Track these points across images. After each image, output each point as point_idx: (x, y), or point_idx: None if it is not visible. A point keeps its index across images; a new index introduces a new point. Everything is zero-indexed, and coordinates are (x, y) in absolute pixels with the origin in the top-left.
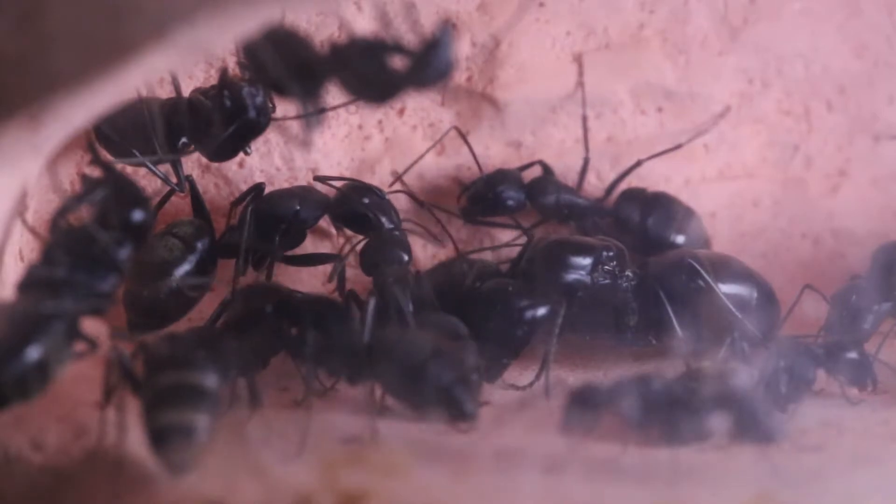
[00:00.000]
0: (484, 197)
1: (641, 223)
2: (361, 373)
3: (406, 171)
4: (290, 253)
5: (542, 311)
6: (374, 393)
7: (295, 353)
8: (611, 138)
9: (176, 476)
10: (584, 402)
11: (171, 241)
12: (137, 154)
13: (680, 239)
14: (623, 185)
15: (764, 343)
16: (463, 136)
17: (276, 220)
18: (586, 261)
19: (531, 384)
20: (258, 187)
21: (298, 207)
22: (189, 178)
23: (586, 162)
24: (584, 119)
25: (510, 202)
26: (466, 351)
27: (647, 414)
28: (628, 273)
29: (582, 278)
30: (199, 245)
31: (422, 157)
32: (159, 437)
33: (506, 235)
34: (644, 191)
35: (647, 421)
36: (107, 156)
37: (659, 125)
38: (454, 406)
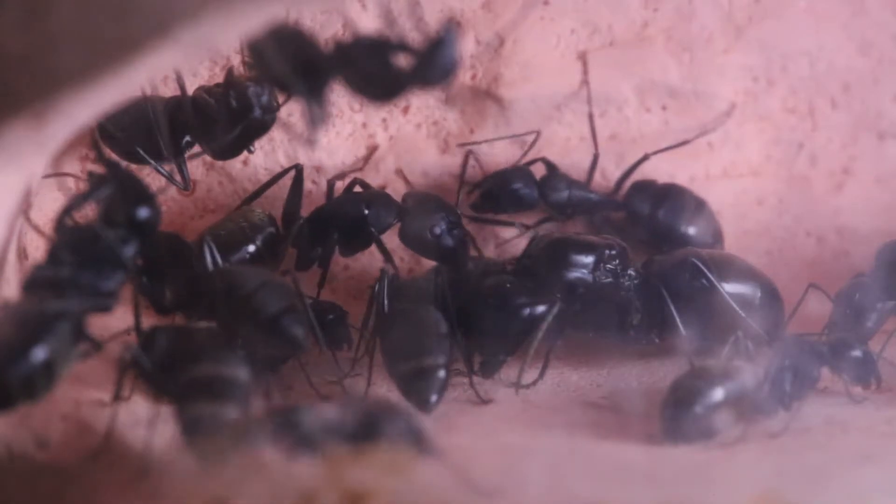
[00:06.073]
0: (497, 194)
1: (652, 215)
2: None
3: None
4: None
5: (537, 308)
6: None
7: (138, 286)
8: (615, 136)
9: (207, 468)
10: None
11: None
12: (141, 152)
13: (691, 230)
14: (629, 181)
15: (768, 341)
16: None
17: (343, 223)
18: (588, 259)
19: (534, 383)
20: (296, 167)
21: (367, 212)
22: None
23: (595, 158)
24: (591, 116)
25: (524, 198)
26: (440, 345)
27: None
28: (631, 272)
29: (583, 276)
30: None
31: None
32: (193, 429)
33: (511, 234)
34: (654, 182)
35: None
36: (111, 154)
37: (663, 123)
38: (283, 335)
